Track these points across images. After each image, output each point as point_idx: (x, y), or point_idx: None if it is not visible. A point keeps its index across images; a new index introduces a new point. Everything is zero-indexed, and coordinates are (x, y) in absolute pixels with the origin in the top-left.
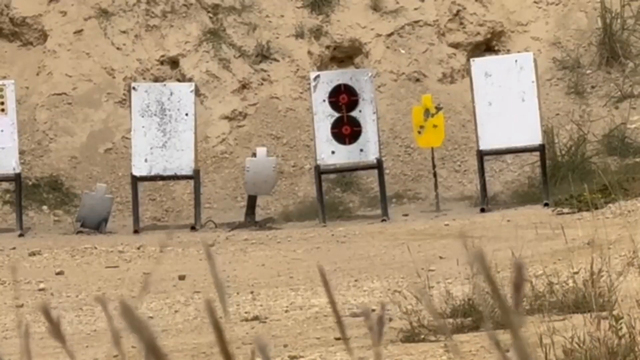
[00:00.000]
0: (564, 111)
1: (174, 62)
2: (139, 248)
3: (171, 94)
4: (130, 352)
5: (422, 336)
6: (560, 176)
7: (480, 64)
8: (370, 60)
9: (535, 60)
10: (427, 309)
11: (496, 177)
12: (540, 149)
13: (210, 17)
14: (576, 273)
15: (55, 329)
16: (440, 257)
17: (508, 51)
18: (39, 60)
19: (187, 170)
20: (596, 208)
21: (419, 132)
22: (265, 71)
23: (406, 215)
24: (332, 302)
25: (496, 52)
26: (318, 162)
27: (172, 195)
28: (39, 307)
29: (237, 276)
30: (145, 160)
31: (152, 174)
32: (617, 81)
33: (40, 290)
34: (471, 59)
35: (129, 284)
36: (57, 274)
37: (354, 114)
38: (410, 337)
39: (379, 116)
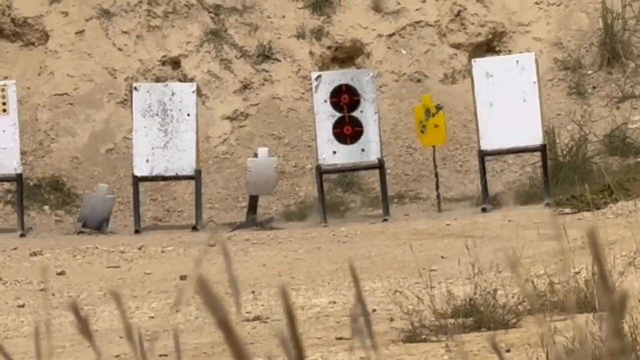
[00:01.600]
0: (565, 111)
1: (175, 63)
2: (140, 248)
3: (173, 94)
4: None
5: (424, 336)
6: (562, 176)
7: (481, 65)
8: (372, 60)
9: (536, 61)
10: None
11: (497, 177)
12: (542, 149)
13: (212, 18)
14: (577, 273)
15: (84, 326)
16: (442, 257)
17: (509, 52)
18: (40, 60)
19: (189, 170)
20: (597, 208)
21: (422, 132)
22: (266, 71)
23: (407, 215)
24: (361, 300)
25: (497, 52)
26: (319, 162)
27: (173, 196)
28: (69, 305)
29: (238, 276)
30: (147, 161)
31: (154, 174)
32: (619, 81)
33: (41, 290)
34: (472, 60)
35: (130, 284)
36: (59, 274)
37: (355, 114)
38: (412, 337)
39: (380, 116)
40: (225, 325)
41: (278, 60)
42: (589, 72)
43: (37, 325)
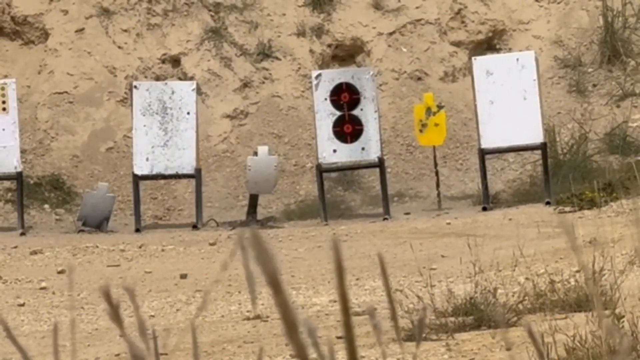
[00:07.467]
0: (566, 109)
1: (175, 61)
2: (140, 247)
3: (173, 92)
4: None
5: (424, 335)
6: (562, 175)
7: (481, 63)
8: (372, 58)
9: (536, 59)
10: None
11: (498, 175)
12: (542, 147)
13: (212, 16)
14: (578, 271)
15: (115, 312)
16: (442, 256)
17: (510, 50)
18: (40, 59)
19: (189, 169)
20: (598, 207)
21: (421, 131)
22: (266, 70)
23: (408, 213)
24: (389, 295)
25: (498, 50)
26: (319, 160)
27: (173, 194)
28: (100, 290)
29: (238, 275)
30: (147, 159)
31: (154, 172)
32: (619, 79)
33: (41, 289)
34: (473, 58)
35: (130, 283)
36: (59, 272)
37: (355, 112)
38: (412, 335)
39: (380, 114)
40: (274, 282)
41: (278, 59)
42: (589, 70)
43: (55, 323)
